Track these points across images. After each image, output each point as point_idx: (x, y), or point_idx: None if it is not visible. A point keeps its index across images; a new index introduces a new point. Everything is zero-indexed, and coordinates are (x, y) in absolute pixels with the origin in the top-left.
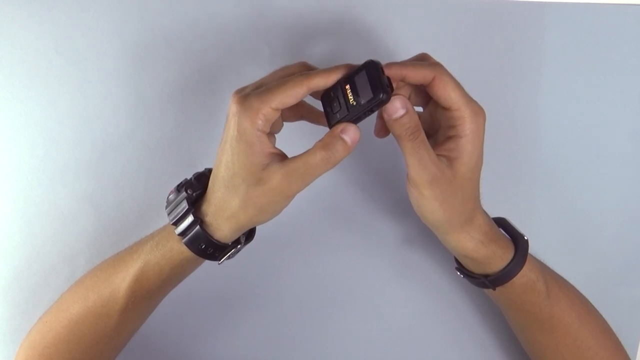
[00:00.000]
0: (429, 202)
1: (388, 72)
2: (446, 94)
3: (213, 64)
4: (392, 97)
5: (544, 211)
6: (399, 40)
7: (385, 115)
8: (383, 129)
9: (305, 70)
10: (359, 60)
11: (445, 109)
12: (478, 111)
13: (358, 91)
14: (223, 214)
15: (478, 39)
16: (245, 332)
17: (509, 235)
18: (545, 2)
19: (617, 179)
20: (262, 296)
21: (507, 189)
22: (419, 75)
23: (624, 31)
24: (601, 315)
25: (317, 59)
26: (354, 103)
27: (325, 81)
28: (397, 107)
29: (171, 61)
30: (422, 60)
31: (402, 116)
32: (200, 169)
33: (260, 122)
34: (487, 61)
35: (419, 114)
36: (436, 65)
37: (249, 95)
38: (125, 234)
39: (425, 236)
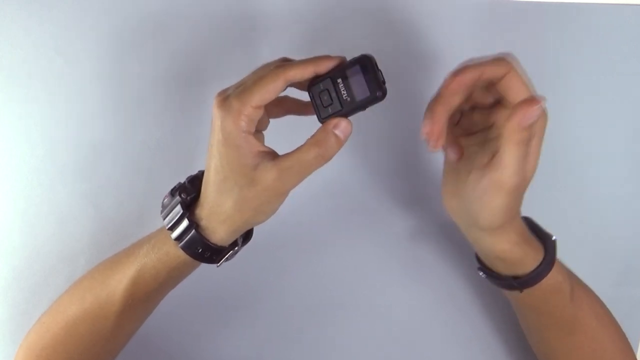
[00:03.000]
0: (499, 206)
1: (465, 76)
2: (517, 89)
3: (213, 63)
4: (529, 101)
5: (543, 211)
6: (399, 40)
7: (515, 118)
8: (441, 138)
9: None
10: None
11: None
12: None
13: (352, 87)
14: (218, 217)
15: (478, 39)
16: (247, 332)
17: (537, 236)
18: (545, 2)
19: (617, 179)
20: (264, 295)
21: None
22: (493, 71)
23: (624, 31)
24: (616, 320)
25: None
26: (348, 99)
27: (302, 72)
28: (534, 114)
29: (171, 61)
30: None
31: (536, 122)
32: (200, 169)
33: (243, 123)
34: None
35: (465, 113)
36: (509, 60)
37: (228, 97)
38: (125, 234)
39: (433, 232)
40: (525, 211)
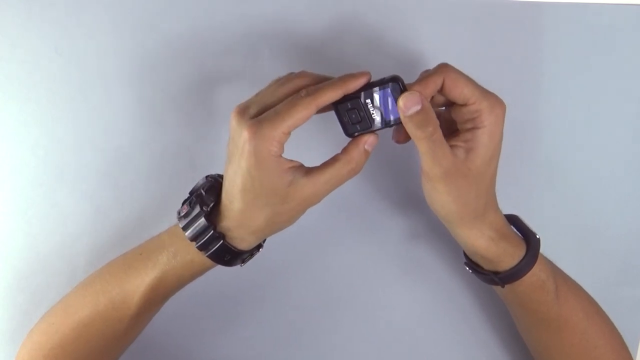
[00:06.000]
0: (442, 196)
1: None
2: (458, 90)
3: (212, 64)
4: (407, 93)
5: (544, 211)
6: (398, 40)
7: (400, 113)
8: (404, 134)
9: (306, 80)
10: (359, 62)
11: (463, 105)
12: (496, 103)
13: (381, 108)
14: (247, 229)
15: (478, 39)
16: (248, 332)
17: (521, 233)
18: (545, 2)
19: (617, 179)
20: (266, 294)
21: (506, 189)
22: (430, 86)
23: (624, 31)
24: (608, 317)
25: (316, 60)
26: (377, 118)
27: (334, 96)
28: (412, 103)
29: (170, 61)
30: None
31: (417, 112)
32: (200, 169)
33: (275, 148)
34: (487, 61)
35: (441, 112)
36: (441, 66)
37: (261, 122)
38: (125, 234)
39: (431, 233)
40: (525, 211)
